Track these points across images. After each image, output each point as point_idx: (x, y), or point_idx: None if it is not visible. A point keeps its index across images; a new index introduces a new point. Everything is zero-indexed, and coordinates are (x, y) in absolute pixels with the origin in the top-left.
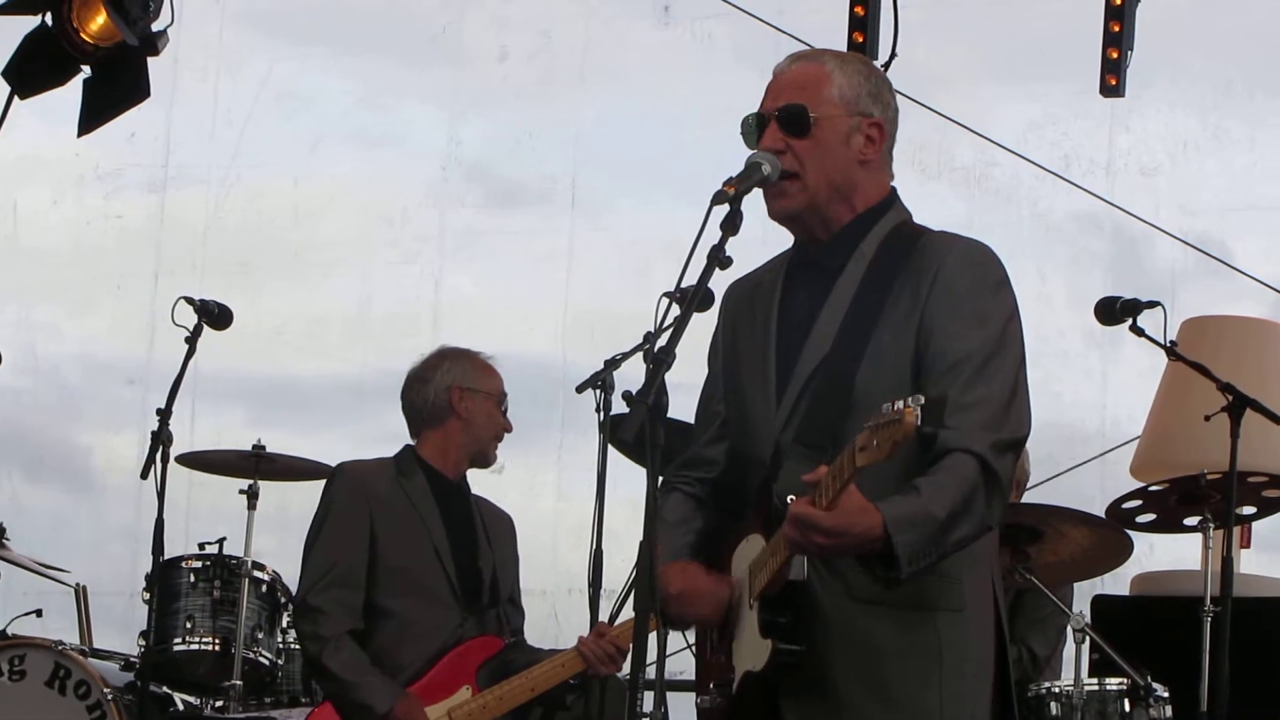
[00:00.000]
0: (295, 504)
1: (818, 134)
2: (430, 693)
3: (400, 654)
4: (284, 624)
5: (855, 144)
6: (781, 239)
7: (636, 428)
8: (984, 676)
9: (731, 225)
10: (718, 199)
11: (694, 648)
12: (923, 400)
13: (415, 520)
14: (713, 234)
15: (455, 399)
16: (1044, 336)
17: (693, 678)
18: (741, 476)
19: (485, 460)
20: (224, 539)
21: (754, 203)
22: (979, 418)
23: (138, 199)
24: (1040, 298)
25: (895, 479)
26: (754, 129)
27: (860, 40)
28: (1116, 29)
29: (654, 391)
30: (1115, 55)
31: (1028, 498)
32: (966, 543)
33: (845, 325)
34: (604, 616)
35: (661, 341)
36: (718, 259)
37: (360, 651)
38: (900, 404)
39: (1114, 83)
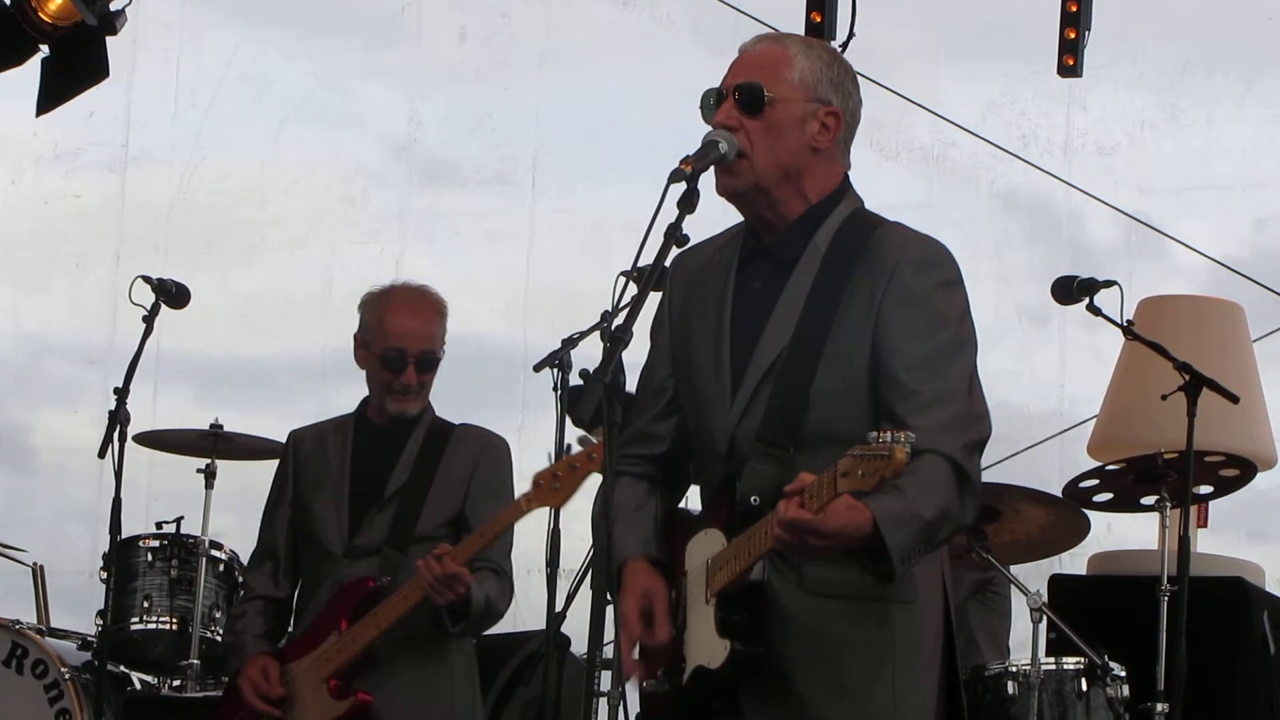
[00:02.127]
0: (253, 483)
1: (771, 114)
2: (308, 645)
3: (305, 611)
4: None
5: (809, 130)
6: (739, 216)
7: (594, 406)
8: (933, 668)
9: (689, 203)
10: (674, 177)
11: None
12: (914, 438)
13: (325, 472)
14: (670, 212)
15: (356, 348)
16: (1001, 316)
17: None
18: (688, 458)
19: (385, 414)
20: (181, 518)
21: (712, 181)
22: (943, 417)
23: (98, 179)
24: (998, 277)
25: None
26: (712, 102)
27: (818, 20)
28: (1074, 9)
29: (611, 370)
30: (1073, 35)
31: (985, 477)
32: (946, 542)
33: (802, 321)
34: (561, 596)
35: (619, 320)
36: (675, 237)
37: (255, 618)
38: (888, 437)
39: (1071, 63)
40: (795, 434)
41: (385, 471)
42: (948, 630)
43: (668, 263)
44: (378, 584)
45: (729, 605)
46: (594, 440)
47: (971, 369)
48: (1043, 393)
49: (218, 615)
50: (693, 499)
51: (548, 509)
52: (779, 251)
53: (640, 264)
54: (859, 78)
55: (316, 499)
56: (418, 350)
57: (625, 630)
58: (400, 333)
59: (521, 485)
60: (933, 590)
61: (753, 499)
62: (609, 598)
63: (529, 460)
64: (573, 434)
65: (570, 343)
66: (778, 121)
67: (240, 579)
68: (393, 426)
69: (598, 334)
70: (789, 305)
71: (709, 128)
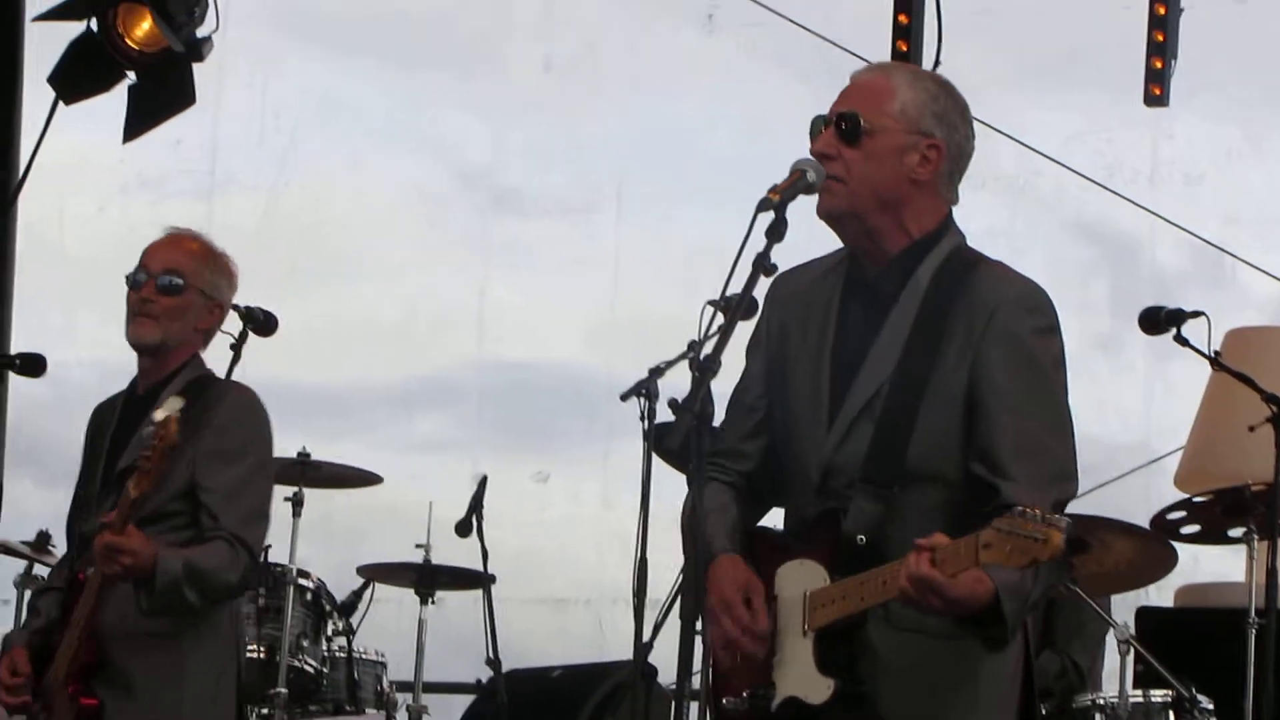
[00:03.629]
0: (340, 511)
1: (868, 144)
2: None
3: None
4: (329, 632)
5: (909, 161)
6: (826, 246)
7: (682, 436)
8: (1013, 705)
9: (776, 233)
10: (763, 206)
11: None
12: (1069, 523)
13: (98, 453)
14: (758, 241)
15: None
16: (1087, 346)
17: None
18: (777, 481)
19: (143, 376)
20: (269, 547)
21: (800, 210)
22: (1034, 471)
23: (184, 206)
24: (1084, 306)
25: (942, 518)
26: (818, 131)
27: (904, 49)
28: (1160, 38)
29: (700, 400)
30: (1159, 65)
31: (1072, 508)
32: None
33: (904, 358)
34: (649, 626)
35: (707, 349)
36: (763, 266)
37: (34, 611)
38: (1037, 515)
39: (1158, 92)
40: (898, 472)
41: (124, 446)
42: (1027, 667)
43: (756, 292)
44: (85, 576)
45: (830, 641)
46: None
47: (1068, 419)
48: (1130, 424)
49: (305, 644)
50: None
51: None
52: (882, 284)
53: (728, 293)
54: None
55: (87, 477)
56: (159, 269)
57: (730, 615)
58: (147, 252)
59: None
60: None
61: (859, 538)
62: (696, 628)
63: (612, 489)
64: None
65: (657, 372)
66: (875, 152)
67: (327, 608)
68: (148, 393)
69: (685, 363)
70: (890, 340)
71: (806, 152)
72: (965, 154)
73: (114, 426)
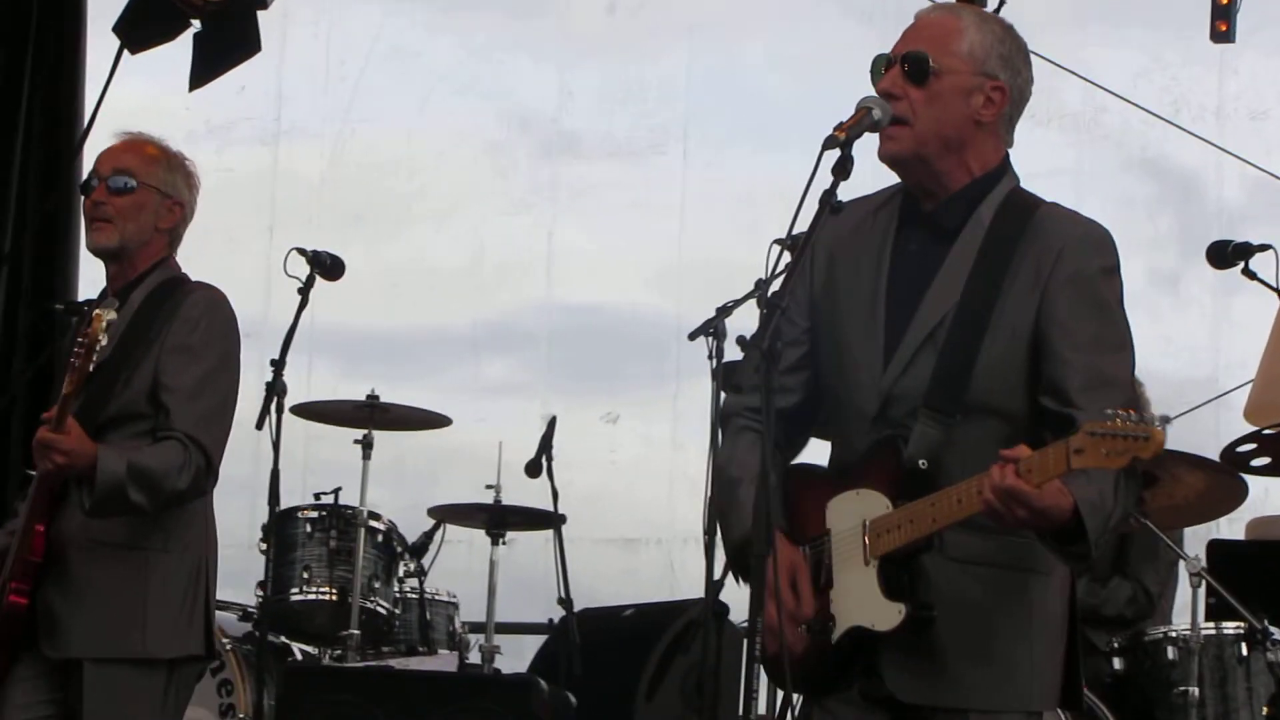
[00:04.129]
0: (410, 454)
1: (935, 85)
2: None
3: None
4: (400, 573)
5: (974, 103)
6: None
7: (751, 372)
8: (1063, 639)
9: (843, 170)
10: (828, 144)
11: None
12: (1170, 419)
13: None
14: (824, 179)
15: None
16: (1154, 282)
17: None
18: (824, 412)
19: (112, 276)
20: (339, 489)
21: (865, 146)
22: (1110, 403)
23: (250, 153)
24: (1150, 243)
25: (998, 451)
26: (880, 69)
27: None
28: None
29: (769, 336)
30: (1225, 1)
31: None
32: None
33: (967, 290)
34: (719, 564)
35: (774, 287)
36: (829, 204)
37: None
38: (1132, 417)
39: (1224, 28)
40: (960, 400)
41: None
42: (1072, 605)
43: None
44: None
45: (894, 568)
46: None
47: (1133, 360)
48: (1198, 357)
49: (377, 585)
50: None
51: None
52: (942, 219)
53: (794, 231)
54: None
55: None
56: (109, 170)
57: (775, 601)
58: (98, 158)
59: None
60: (1058, 561)
61: (921, 463)
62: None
63: (683, 429)
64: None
65: (725, 311)
66: (942, 92)
67: (399, 549)
68: (118, 296)
69: (753, 302)
70: (953, 272)
71: (869, 92)
72: (1025, 97)
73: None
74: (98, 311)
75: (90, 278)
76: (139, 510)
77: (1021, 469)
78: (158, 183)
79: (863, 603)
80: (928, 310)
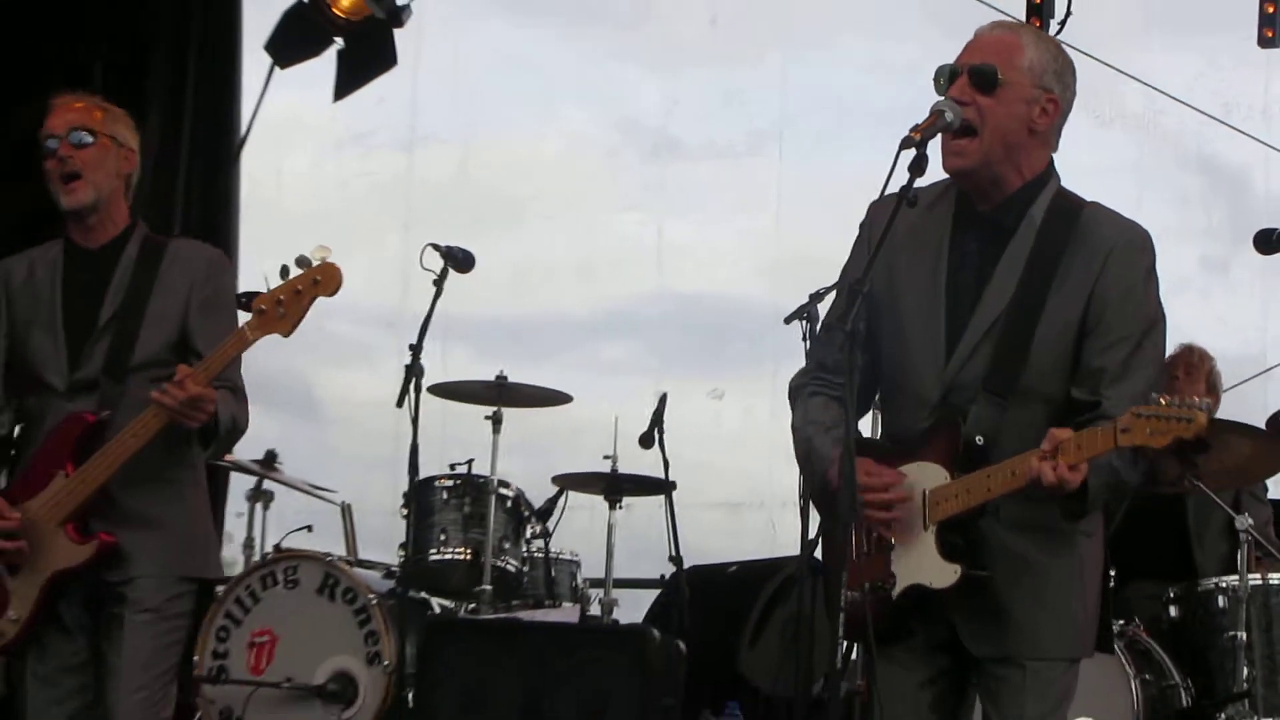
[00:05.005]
0: (535, 429)
1: (1002, 94)
2: (31, 487)
3: (26, 453)
4: (527, 535)
5: (1032, 113)
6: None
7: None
8: (1100, 592)
9: (918, 167)
10: (905, 144)
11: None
12: (1209, 404)
13: (37, 304)
14: (901, 176)
15: None
16: (1208, 267)
17: None
18: (881, 393)
19: (89, 233)
20: (472, 460)
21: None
22: (1136, 390)
23: (388, 158)
24: (1205, 232)
25: (1044, 431)
26: (945, 78)
27: (1039, 1)
28: None
29: (853, 319)
30: (1271, 10)
31: None
32: (1118, 498)
33: (1022, 285)
34: (814, 525)
35: (857, 274)
36: (906, 198)
37: None
38: (1180, 400)
39: (1270, 35)
40: (1013, 385)
41: (98, 297)
42: (1107, 559)
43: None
44: (97, 419)
45: (951, 532)
46: (315, 262)
47: (1162, 350)
48: (1248, 336)
49: (506, 546)
50: None
51: (278, 335)
52: (999, 218)
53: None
54: (1076, 51)
55: (32, 333)
56: (64, 128)
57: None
58: (48, 124)
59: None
60: (1100, 523)
61: (978, 439)
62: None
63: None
64: None
65: (817, 297)
66: (1006, 101)
67: (526, 514)
68: (103, 250)
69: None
70: (1009, 269)
71: (938, 98)
72: (1070, 108)
73: (62, 280)
74: (324, 258)
75: (248, 269)
76: (229, 448)
77: (1072, 446)
78: (111, 131)
79: (921, 563)
80: (986, 306)
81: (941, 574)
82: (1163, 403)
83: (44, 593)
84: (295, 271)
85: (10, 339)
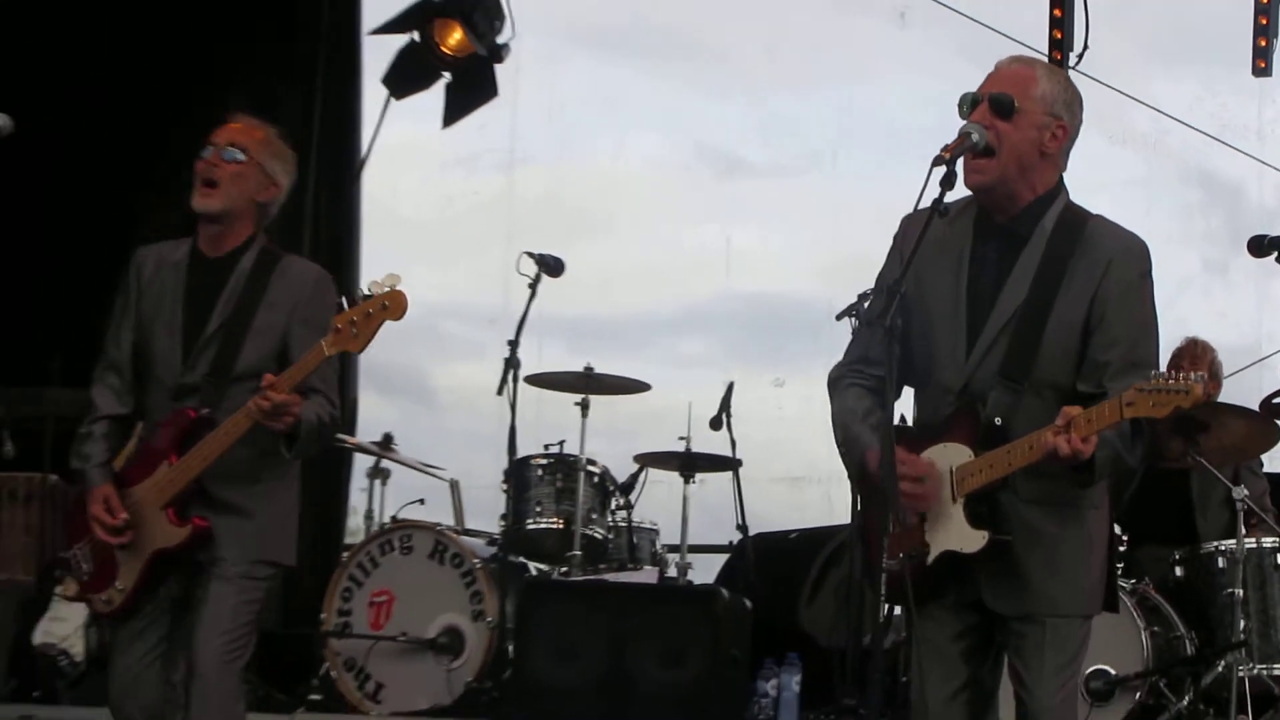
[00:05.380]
0: (618, 413)
1: (1018, 120)
2: (143, 472)
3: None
4: (612, 506)
5: (1043, 137)
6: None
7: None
8: (1107, 558)
9: (948, 182)
10: (936, 162)
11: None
12: (1205, 376)
13: (162, 300)
14: (933, 189)
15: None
16: (1209, 269)
17: None
18: (910, 381)
19: (213, 243)
20: (563, 441)
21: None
22: (1134, 382)
23: (490, 177)
24: (1205, 238)
25: (1052, 415)
26: (968, 105)
27: (1059, 37)
28: (1264, 22)
29: (891, 315)
30: (1264, 43)
31: None
32: (1119, 474)
33: (1034, 287)
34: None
35: (895, 276)
36: (937, 209)
37: (100, 442)
38: (1179, 376)
39: (1263, 65)
40: (1026, 373)
41: (210, 305)
42: (1113, 527)
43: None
44: (198, 415)
45: (977, 504)
46: (385, 289)
47: (1156, 346)
48: (1242, 331)
49: (594, 516)
50: None
51: (353, 353)
52: (1015, 228)
53: (909, 228)
54: (1090, 80)
55: (155, 329)
56: (223, 141)
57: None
58: (215, 133)
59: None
60: (1106, 499)
61: (996, 420)
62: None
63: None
64: None
65: (864, 297)
66: (1022, 126)
67: (611, 489)
68: (222, 259)
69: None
70: (1023, 273)
71: (963, 122)
72: (1077, 133)
73: (185, 283)
74: (393, 286)
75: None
76: (313, 450)
77: (1082, 421)
78: (263, 160)
79: (951, 532)
80: (1003, 305)
81: (971, 540)
82: (1162, 377)
83: (147, 567)
84: (368, 293)
85: (137, 331)
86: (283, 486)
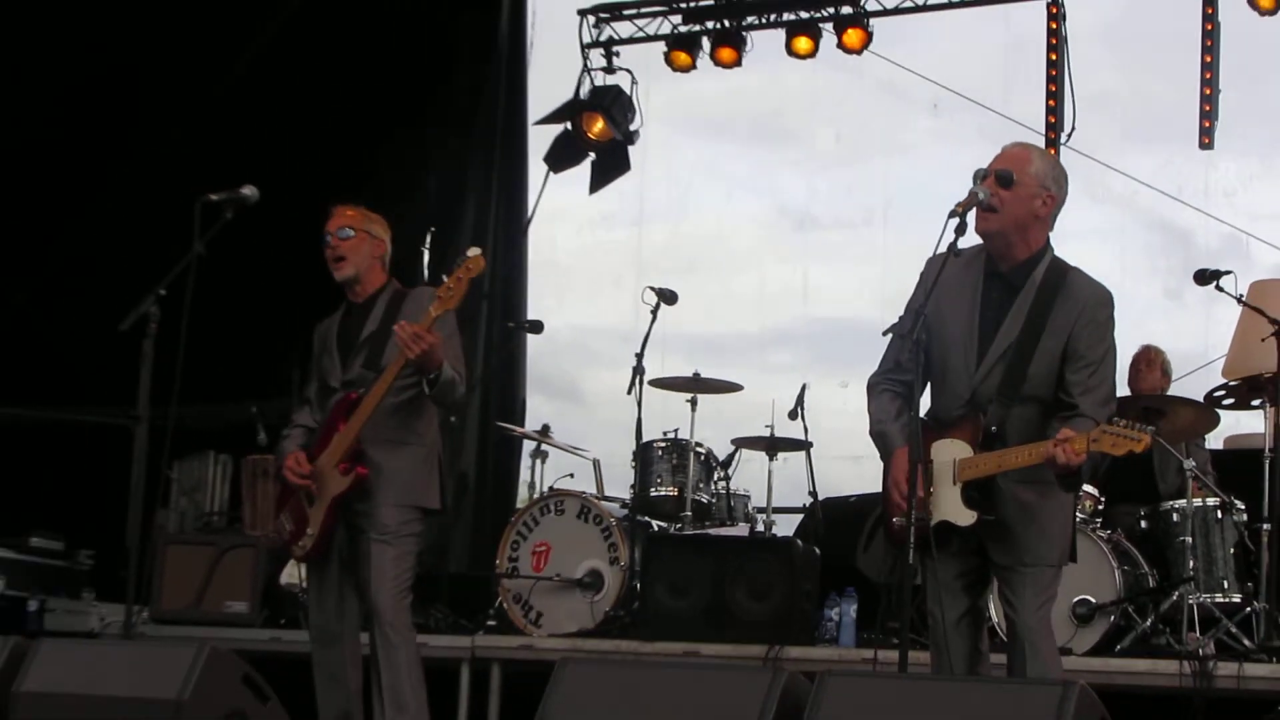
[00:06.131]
0: (720, 407)
1: (1016, 190)
2: (322, 446)
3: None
4: (715, 478)
5: (1035, 204)
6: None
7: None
8: (1070, 518)
9: (961, 230)
10: (951, 214)
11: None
12: (1154, 429)
13: (329, 338)
14: (948, 236)
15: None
16: (1168, 295)
17: None
18: (931, 388)
19: (354, 291)
20: (677, 429)
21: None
22: (1099, 397)
23: (623, 232)
24: (1164, 272)
25: (1037, 424)
26: (979, 177)
27: (1053, 120)
28: (1208, 108)
29: (917, 330)
30: (1208, 124)
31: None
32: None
33: (1025, 325)
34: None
35: (921, 299)
36: (953, 251)
37: (297, 435)
38: (1135, 426)
39: (1207, 141)
40: (1017, 392)
41: (360, 330)
42: (1075, 500)
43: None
44: (358, 395)
45: (971, 488)
46: (468, 255)
47: (1114, 370)
48: (1195, 341)
49: (701, 485)
50: None
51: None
52: (1013, 278)
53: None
54: (1077, 154)
55: (324, 356)
56: (335, 228)
57: (895, 485)
58: (326, 226)
59: None
60: None
61: (993, 428)
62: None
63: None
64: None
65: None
66: (1019, 195)
67: (714, 465)
68: (362, 304)
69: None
70: (1016, 314)
71: (973, 186)
72: (1064, 201)
73: (339, 326)
74: (476, 256)
75: (534, 307)
76: (455, 404)
77: (1069, 444)
78: (367, 229)
79: (950, 507)
80: (1001, 339)
81: (963, 516)
82: (1122, 425)
83: (328, 514)
84: (458, 263)
85: (316, 376)
86: (424, 449)
